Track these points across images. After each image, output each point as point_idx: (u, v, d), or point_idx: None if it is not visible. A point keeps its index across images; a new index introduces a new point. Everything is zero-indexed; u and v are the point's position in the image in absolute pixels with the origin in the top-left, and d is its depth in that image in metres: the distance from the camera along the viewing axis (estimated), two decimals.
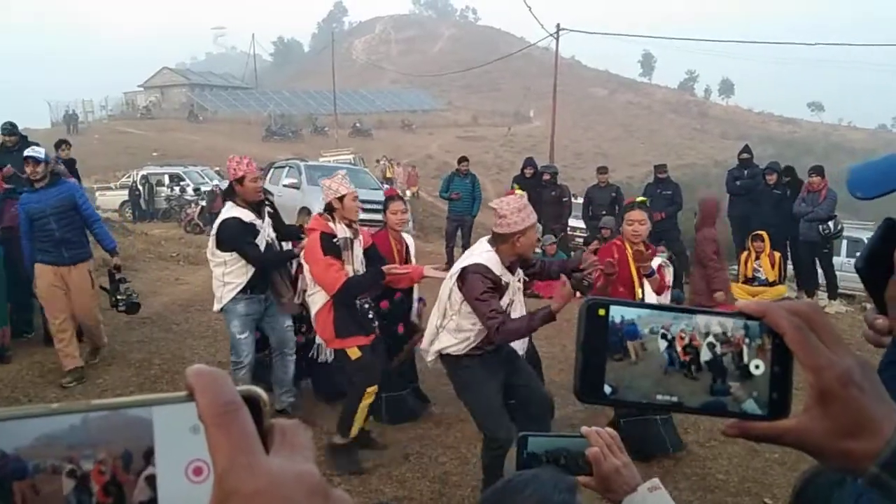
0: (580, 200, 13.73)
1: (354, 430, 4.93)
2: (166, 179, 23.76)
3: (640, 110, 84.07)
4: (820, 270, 10.82)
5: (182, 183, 23.02)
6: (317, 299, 5.01)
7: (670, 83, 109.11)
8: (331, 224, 5.00)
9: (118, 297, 6.98)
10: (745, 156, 12.28)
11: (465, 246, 12.94)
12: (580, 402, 0.69)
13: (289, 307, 5.73)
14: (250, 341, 5.62)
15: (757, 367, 0.67)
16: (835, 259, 11.09)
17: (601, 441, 1.29)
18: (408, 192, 25.09)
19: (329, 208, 5.09)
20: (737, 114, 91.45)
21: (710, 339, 0.68)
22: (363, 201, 16.03)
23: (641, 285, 5.25)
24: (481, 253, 4.21)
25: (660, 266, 5.72)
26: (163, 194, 23.04)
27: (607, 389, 0.67)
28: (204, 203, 19.49)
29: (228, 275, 5.46)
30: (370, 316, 5.25)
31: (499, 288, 4.16)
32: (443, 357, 4.41)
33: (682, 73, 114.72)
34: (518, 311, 4.37)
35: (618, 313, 0.67)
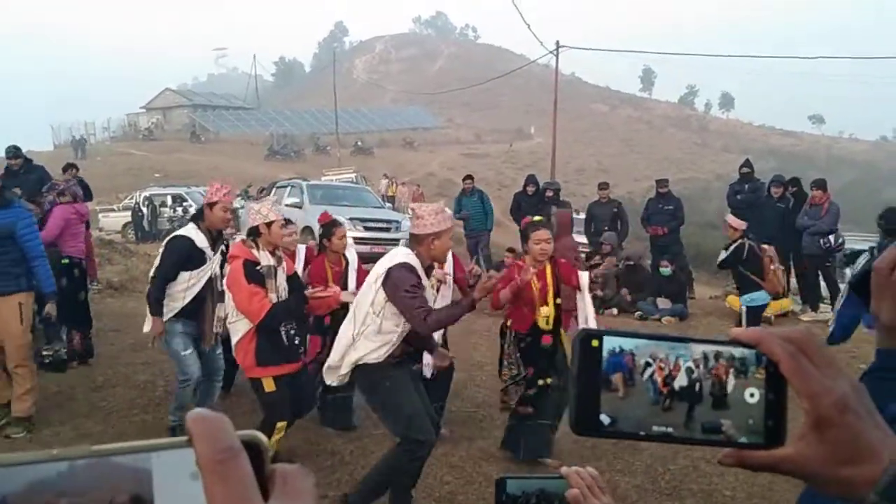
0: (582, 216, 13.75)
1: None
2: (169, 200, 23.81)
3: (640, 125, 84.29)
4: (823, 283, 10.81)
5: (185, 204, 23.07)
6: (239, 327, 4.95)
7: (671, 98, 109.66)
8: (254, 251, 4.95)
9: (45, 351, 6.25)
10: (745, 170, 12.31)
11: (486, 258, 13.01)
12: (578, 436, 0.69)
13: (206, 341, 5.70)
14: (195, 357, 5.58)
15: (752, 395, 0.67)
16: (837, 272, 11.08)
17: (581, 482, 1.24)
18: (410, 211, 25.12)
19: (253, 233, 5.03)
20: (737, 127, 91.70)
21: (704, 368, 0.67)
22: (365, 220, 16.09)
23: (546, 303, 5.31)
24: (404, 255, 4.34)
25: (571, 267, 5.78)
26: (165, 215, 23.09)
27: (603, 421, 0.66)
28: None
29: (166, 297, 5.46)
30: (296, 342, 5.16)
31: (420, 284, 4.26)
32: (358, 369, 4.35)
33: (682, 87, 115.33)
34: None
35: (611, 344, 0.67)
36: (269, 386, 4.88)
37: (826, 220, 10.23)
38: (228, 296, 4.96)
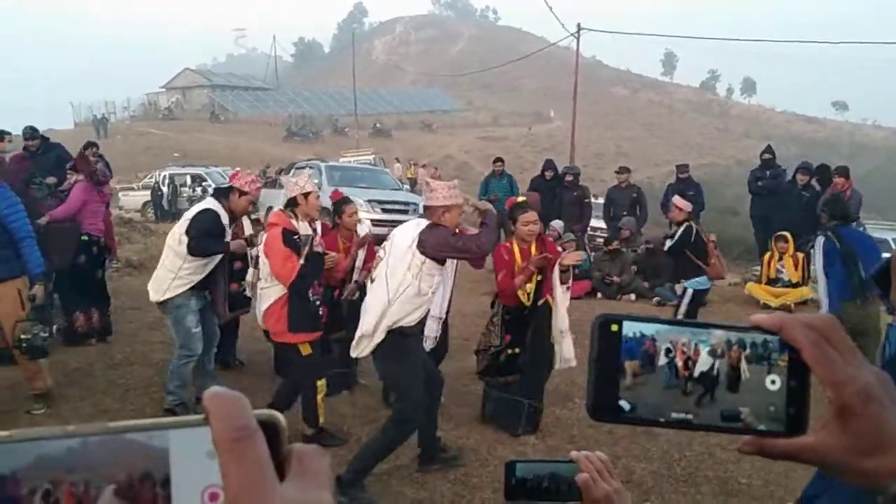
0: (601, 201, 13.68)
1: (321, 419, 5.31)
2: (188, 180, 23.90)
3: (661, 110, 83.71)
4: None
5: (204, 183, 23.14)
6: (271, 293, 5.19)
7: (692, 82, 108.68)
8: (293, 221, 5.22)
9: (23, 336, 5.86)
10: (767, 156, 12.19)
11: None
12: (595, 421, 0.68)
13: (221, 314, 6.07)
14: (201, 335, 5.82)
15: (773, 382, 0.66)
16: None
17: (591, 466, 1.23)
18: (426, 184, 25.04)
19: (291, 204, 5.29)
20: (759, 113, 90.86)
21: (725, 354, 0.66)
22: (383, 202, 16.12)
23: (529, 280, 5.55)
24: (423, 222, 4.65)
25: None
26: (185, 195, 23.17)
27: (621, 407, 0.65)
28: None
29: (184, 269, 5.64)
30: (319, 312, 5.44)
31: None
32: (391, 334, 4.54)
33: (704, 72, 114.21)
34: (445, 287, 5.09)
35: (631, 329, 0.66)
36: (305, 350, 5.17)
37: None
38: (263, 262, 5.19)
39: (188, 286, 5.64)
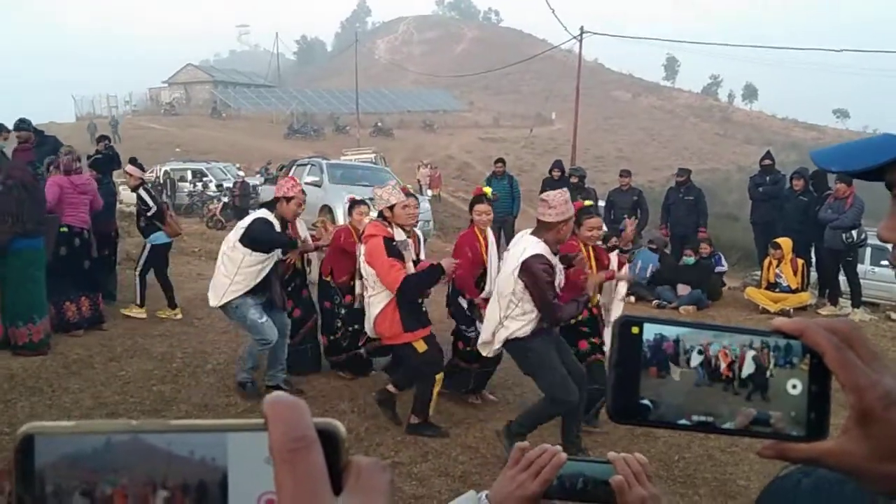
0: (602, 203, 13.68)
1: (431, 410, 5.57)
2: (189, 175, 23.88)
3: (662, 114, 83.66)
4: (843, 278, 10.71)
5: (205, 179, 23.16)
6: (379, 299, 5.41)
7: (694, 87, 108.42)
8: (389, 229, 5.45)
9: None
10: (767, 162, 12.20)
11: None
12: (616, 423, 0.68)
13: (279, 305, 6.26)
14: (272, 323, 6.01)
15: (794, 386, 0.65)
16: (859, 267, 10.98)
17: (628, 469, 1.20)
18: (429, 193, 25.10)
19: (382, 216, 5.57)
20: (760, 119, 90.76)
21: (746, 358, 0.66)
22: None
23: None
24: (534, 244, 4.78)
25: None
26: (185, 190, 23.15)
27: (642, 410, 0.66)
28: (226, 199, 19.65)
29: (239, 275, 5.87)
30: (424, 310, 5.65)
31: (553, 271, 4.78)
32: (510, 343, 4.94)
33: (705, 77, 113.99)
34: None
35: (652, 331, 0.66)
36: (420, 347, 5.39)
37: (850, 214, 10.09)
38: (367, 272, 5.41)
39: (244, 291, 5.88)
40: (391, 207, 5.51)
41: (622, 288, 6.12)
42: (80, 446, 0.43)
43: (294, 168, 18.32)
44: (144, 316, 8.39)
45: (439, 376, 5.48)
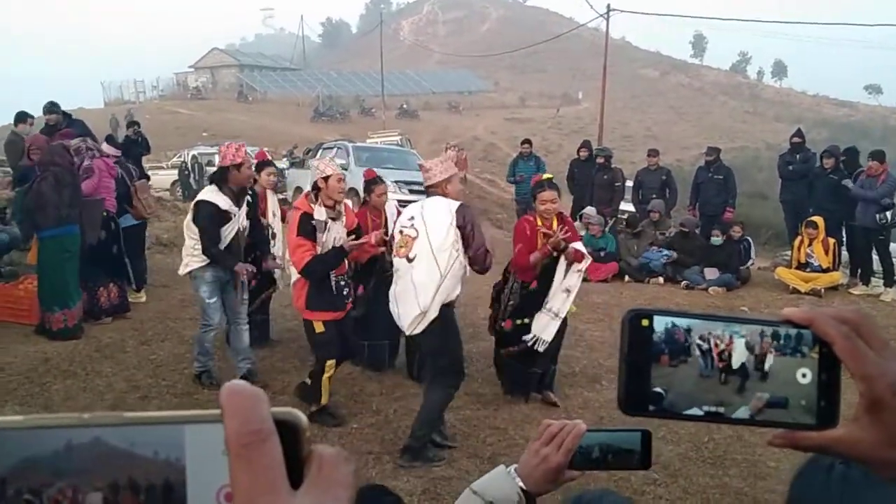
0: (630, 183, 13.60)
1: (325, 399, 5.38)
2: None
3: (691, 92, 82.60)
4: (876, 257, 10.55)
5: None
6: (294, 271, 5.37)
7: (722, 65, 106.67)
8: (313, 205, 5.31)
9: None
10: (797, 140, 12.02)
11: None
12: (626, 415, 0.68)
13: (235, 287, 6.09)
14: (219, 305, 5.97)
15: (804, 375, 0.66)
16: (891, 246, 10.81)
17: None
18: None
19: (316, 188, 5.40)
20: (790, 96, 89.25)
21: (756, 348, 0.67)
22: (410, 183, 16.18)
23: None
24: (443, 202, 4.79)
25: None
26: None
27: (652, 401, 0.66)
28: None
29: (197, 249, 5.80)
30: (345, 293, 5.51)
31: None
32: (442, 308, 4.74)
33: (734, 54, 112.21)
34: None
35: (662, 323, 0.67)
36: (318, 327, 5.31)
37: (882, 189, 9.91)
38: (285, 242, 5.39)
39: (204, 262, 5.81)
40: (326, 179, 5.36)
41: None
42: (39, 449, 0.41)
43: (321, 151, 18.38)
44: (144, 299, 8.46)
45: (330, 362, 5.32)
